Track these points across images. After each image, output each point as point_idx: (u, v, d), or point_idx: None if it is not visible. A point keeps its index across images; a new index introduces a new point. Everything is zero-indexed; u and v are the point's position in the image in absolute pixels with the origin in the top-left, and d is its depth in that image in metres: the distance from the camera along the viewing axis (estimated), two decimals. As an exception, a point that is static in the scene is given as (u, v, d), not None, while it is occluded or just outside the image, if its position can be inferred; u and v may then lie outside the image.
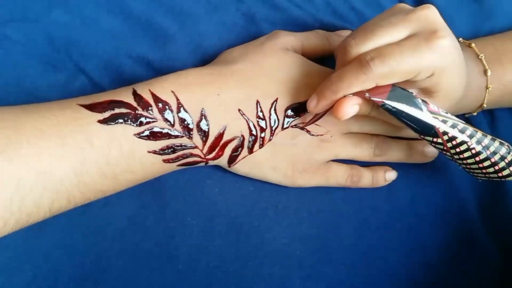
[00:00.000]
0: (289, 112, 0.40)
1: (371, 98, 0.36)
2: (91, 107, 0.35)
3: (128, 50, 0.42)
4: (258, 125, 0.39)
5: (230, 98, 0.38)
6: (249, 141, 0.40)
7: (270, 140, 0.40)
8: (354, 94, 0.36)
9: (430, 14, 0.35)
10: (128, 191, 0.39)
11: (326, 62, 0.44)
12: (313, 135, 0.41)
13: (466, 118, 0.47)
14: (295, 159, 0.41)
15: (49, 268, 0.40)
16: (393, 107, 0.36)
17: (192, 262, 0.42)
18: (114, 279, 0.41)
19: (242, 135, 0.39)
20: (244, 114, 0.39)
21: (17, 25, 0.41)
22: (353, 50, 0.35)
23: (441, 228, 0.46)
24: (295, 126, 0.40)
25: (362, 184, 0.44)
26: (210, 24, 0.45)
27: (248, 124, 0.39)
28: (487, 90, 0.43)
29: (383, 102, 0.36)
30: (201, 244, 0.42)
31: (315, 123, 0.41)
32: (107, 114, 0.35)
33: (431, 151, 0.44)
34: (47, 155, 0.33)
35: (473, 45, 0.44)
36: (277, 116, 0.40)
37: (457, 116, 0.38)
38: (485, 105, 0.44)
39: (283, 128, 0.40)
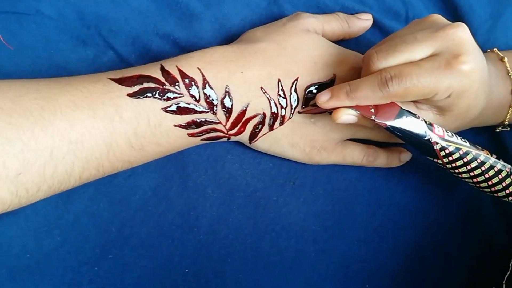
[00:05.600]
0: (309, 91, 0.41)
1: (376, 121, 0.37)
2: (121, 81, 0.37)
3: (155, 28, 0.43)
4: (279, 103, 0.41)
5: (253, 76, 0.40)
6: (270, 119, 0.41)
7: (290, 118, 0.42)
8: (361, 111, 0.37)
9: (458, 34, 0.36)
10: (152, 164, 0.41)
11: (346, 44, 0.45)
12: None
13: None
14: (313, 137, 0.43)
15: (77, 234, 0.42)
16: (397, 132, 0.37)
17: (212, 233, 0.44)
18: (137, 246, 0.43)
19: (264, 113, 0.41)
20: (266, 92, 0.40)
21: (49, 1, 0.42)
22: (375, 65, 0.37)
23: (450, 208, 0.47)
24: (315, 105, 0.42)
25: (377, 164, 0.45)
26: (234, 5, 0.45)
27: (270, 102, 0.40)
28: (510, 109, 0.43)
29: (387, 126, 0.37)
30: (221, 216, 0.44)
31: None
32: (136, 88, 0.37)
33: None
34: (79, 126, 0.34)
35: (505, 59, 0.44)
36: (297, 95, 0.41)
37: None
38: (506, 122, 0.45)
39: (303, 107, 0.42)
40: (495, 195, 0.40)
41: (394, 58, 0.36)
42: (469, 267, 0.47)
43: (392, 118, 0.37)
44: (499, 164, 0.39)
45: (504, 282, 0.42)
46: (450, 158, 0.38)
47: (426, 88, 0.35)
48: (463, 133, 0.42)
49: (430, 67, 0.35)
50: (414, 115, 0.38)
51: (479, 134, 0.47)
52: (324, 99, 0.38)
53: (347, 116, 0.38)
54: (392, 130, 0.37)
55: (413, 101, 0.40)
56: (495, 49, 0.46)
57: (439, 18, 0.39)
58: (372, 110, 0.37)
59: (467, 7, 0.48)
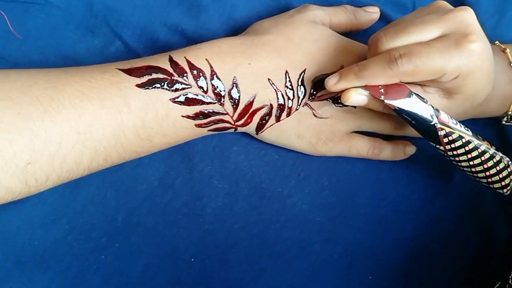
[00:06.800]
0: (316, 83, 0.41)
1: (385, 102, 0.37)
2: (130, 72, 0.37)
3: (163, 19, 0.43)
4: (286, 94, 0.41)
5: (260, 67, 0.40)
6: (277, 110, 0.41)
7: (297, 109, 0.42)
8: (371, 91, 0.37)
9: (466, 16, 0.36)
10: (158, 154, 0.42)
11: (353, 37, 0.45)
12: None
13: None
14: (319, 129, 0.43)
15: (84, 222, 0.42)
16: (404, 114, 0.37)
17: (217, 223, 0.44)
18: (143, 235, 0.43)
19: (271, 104, 0.41)
20: (273, 83, 0.40)
21: (57, -10, 0.42)
22: (383, 46, 0.37)
23: (454, 201, 0.48)
24: (321, 96, 0.42)
25: (382, 156, 0.45)
26: (242, -4, 0.46)
27: (277, 93, 0.41)
28: None
29: (396, 108, 0.37)
30: (226, 206, 0.44)
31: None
32: (144, 79, 0.37)
33: None
34: (87, 116, 0.35)
35: (507, 51, 0.44)
36: (304, 87, 0.41)
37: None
38: (510, 112, 0.45)
39: (310, 98, 0.42)
40: (491, 186, 0.41)
41: (403, 39, 0.36)
42: (472, 259, 0.47)
43: (401, 98, 0.37)
44: (498, 156, 0.40)
45: (510, 277, 0.43)
46: (453, 145, 0.39)
47: (436, 67, 0.35)
48: (470, 126, 0.43)
49: (440, 46, 0.35)
50: (422, 99, 0.38)
51: (484, 127, 0.47)
52: (333, 82, 0.38)
53: (357, 95, 0.38)
54: (400, 112, 0.37)
55: (420, 85, 0.40)
56: (496, 42, 0.46)
57: (444, 3, 0.39)
58: (382, 91, 0.37)
59: (473, 2, 0.48)
